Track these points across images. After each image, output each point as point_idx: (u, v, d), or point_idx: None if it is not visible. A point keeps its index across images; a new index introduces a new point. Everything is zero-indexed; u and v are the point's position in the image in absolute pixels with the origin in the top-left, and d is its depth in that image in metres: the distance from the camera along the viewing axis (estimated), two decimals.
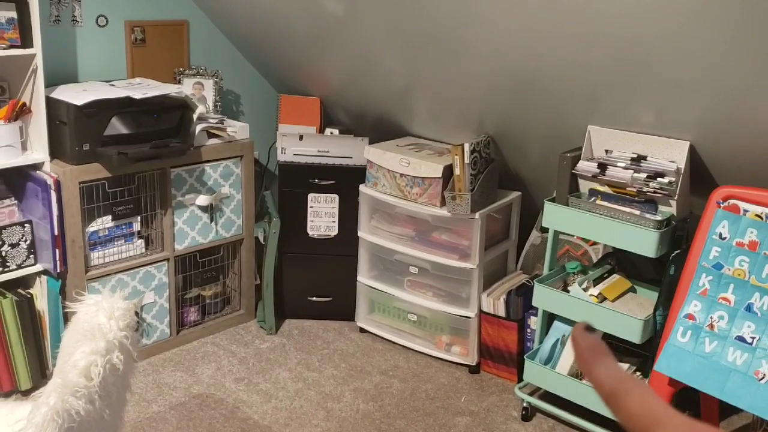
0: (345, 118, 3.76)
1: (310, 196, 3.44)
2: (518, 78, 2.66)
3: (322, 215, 3.47)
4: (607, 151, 2.66)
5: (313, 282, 3.55)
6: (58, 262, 2.76)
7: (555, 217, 2.69)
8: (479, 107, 2.99)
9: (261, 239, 3.43)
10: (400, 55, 2.95)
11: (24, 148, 2.75)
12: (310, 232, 3.48)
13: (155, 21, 3.32)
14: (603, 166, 2.60)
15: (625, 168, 2.56)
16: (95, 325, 1.68)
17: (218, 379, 3.05)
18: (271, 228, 3.35)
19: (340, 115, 3.76)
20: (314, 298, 3.56)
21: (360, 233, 3.37)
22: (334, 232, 3.48)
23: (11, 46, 2.60)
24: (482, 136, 3.04)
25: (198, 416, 2.79)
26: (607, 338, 2.59)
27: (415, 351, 3.31)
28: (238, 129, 3.28)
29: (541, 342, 2.87)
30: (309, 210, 3.46)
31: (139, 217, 3.05)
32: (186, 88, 3.32)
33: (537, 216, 3.25)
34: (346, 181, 3.40)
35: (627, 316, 2.55)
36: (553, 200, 2.71)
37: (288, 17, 3.14)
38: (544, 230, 3.02)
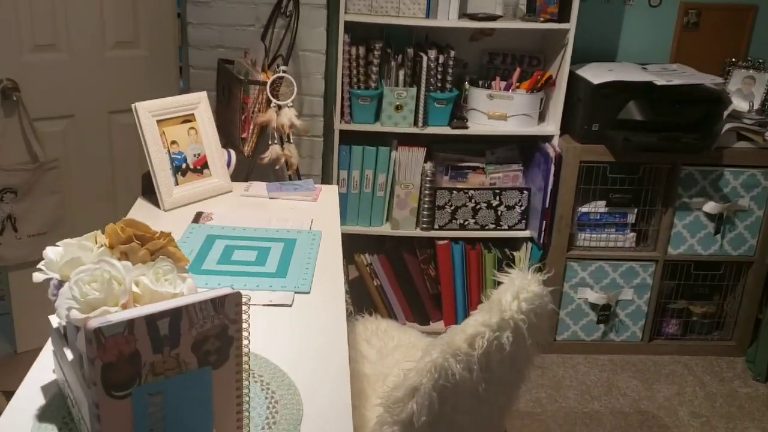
0: None
1: None
2: None
3: None
4: None
5: None
6: (543, 233, 2.83)
7: None
8: None
9: None
10: None
11: (541, 119, 2.86)
12: None
13: (716, 4, 3.00)
14: None
15: None
16: (497, 299, 1.67)
17: (673, 405, 2.73)
18: None
19: None
20: None
21: None
22: None
23: (549, 20, 2.70)
24: None
25: None
26: None
27: None
28: None
29: None
30: None
31: (635, 210, 2.88)
32: (735, 81, 2.94)
33: None
34: None
35: None
36: None
37: None
38: None
